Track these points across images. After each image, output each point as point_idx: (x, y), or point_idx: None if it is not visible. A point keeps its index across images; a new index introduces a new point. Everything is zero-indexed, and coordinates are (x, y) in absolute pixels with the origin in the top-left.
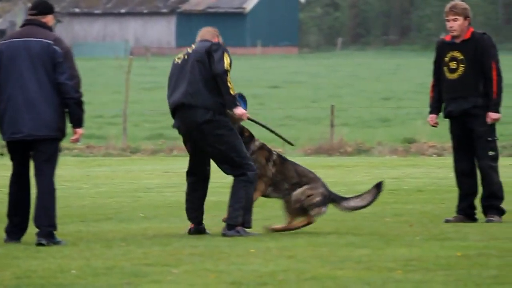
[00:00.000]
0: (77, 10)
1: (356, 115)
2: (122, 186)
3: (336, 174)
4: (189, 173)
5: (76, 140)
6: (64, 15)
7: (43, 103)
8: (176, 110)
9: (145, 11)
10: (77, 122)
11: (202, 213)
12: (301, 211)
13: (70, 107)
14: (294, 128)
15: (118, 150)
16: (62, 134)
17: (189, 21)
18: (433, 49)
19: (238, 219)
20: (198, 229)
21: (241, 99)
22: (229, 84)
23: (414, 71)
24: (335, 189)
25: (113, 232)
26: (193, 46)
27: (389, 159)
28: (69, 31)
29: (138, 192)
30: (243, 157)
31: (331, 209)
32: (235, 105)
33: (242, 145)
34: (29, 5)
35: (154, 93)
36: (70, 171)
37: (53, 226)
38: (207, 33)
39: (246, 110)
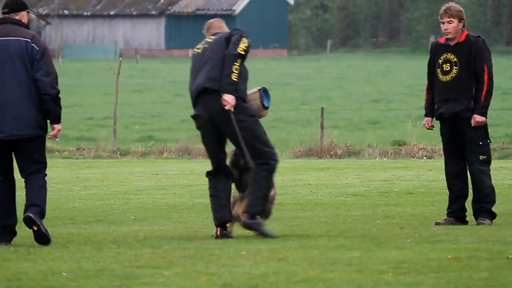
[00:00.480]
0: (66, 12)
1: (346, 117)
2: (112, 188)
3: (326, 176)
4: (211, 172)
5: (54, 136)
6: (53, 17)
7: (24, 102)
8: (199, 95)
9: (134, 13)
10: (55, 118)
11: (230, 211)
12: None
13: (47, 103)
14: (284, 130)
15: (108, 152)
16: (44, 131)
17: (178, 23)
18: (422, 52)
19: (258, 207)
20: (224, 234)
21: (265, 94)
22: (234, 69)
23: (404, 73)
24: (326, 191)
25: (103, 234)
26: (212, 36)
27: (379, 161)
28: (58, 33)
29: (128, 194)
30: (265, 144)
31: (321, 211)
32: (229, 91)
33: (264, 133)
34: None
35: (144, 95)
36: (60, 173)
37: (43, 211)
38: (221, 24)
39: (268, 106)
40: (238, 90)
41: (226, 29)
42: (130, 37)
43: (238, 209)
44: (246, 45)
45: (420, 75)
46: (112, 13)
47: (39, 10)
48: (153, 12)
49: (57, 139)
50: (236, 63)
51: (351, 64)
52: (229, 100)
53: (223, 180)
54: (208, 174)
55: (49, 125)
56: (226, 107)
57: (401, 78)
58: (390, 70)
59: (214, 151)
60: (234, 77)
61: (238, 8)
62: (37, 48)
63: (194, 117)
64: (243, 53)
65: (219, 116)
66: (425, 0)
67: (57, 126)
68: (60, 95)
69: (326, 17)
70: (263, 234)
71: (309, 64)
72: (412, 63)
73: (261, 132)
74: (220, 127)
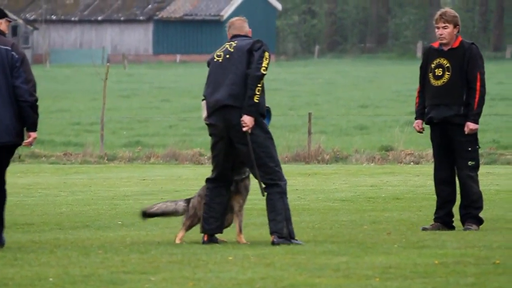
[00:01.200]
0: (54, 17)
1: (334, 123)
2: (99, 194)
3: (314, 181)
4: (213, 179)
5: (30, 144)
6: (40, 22)
7: (4, 109)
8: (218, 109)
9: (122, 18)
10: (32, 126)
11: (223, 223)
12: None
13: (25, 111)
14: None
15: (95, 158)
16: (21, 139)
17: (166, 29)
18: (410, 57)
19: (284, 230)
20: (212, 240)
21: (268, 114)
22: (256, 90)
23: (391, 78)
24: (313, 197)
25: (90, 240)
26: (233, 43)
27: (367, 166)
28: (46, 38)
29: (115, 199)
30: (276, 164)
31: (308, 216)
32: (250, 112)
33: (276, 153)
34: None
35: (132, 101)
36: (47, 179)
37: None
38: (243, 24)
39: (268, 124)
40: (259, 107)
41: (246, 29)
42: (118, 43)
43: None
44: (268, 61)
45: (408, 80)
46: (99, 18)
47: (27, 15)
48: (141, 18)
49: (32, 146)
50: (259, 85)
51: (338, 70)
52: (248, 122)
53: (222, 193)
54: (208, 181)
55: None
56: (244, 129)
57: (388, 84)
58: (378, 76)
59: (221, 159)
60: (256, 98)
61: (226, 13)
62: (16, 56)
63: (209, 125)
64: (265, 72)
65: (235, 131)
66: (413, 5)
67: (33, 134)
68: (38, 103)
69: (314, 22)
70: (294, 243)
71: (297, 69)
72: (400, 69)
73: (274, 150)
74: (234, 141)
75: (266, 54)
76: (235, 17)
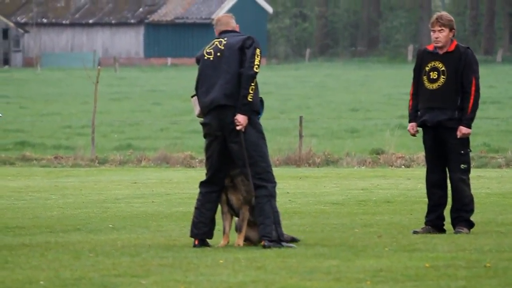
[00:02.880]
0: (45, 20)
1: (325, 126)
2: (90, 197)
3: (305, 185)
4: (206, 183)
5: None
6: (32, 26)
7: None
8: (213, 109)
9: (113, 21)
10: None
11: (213, 227)
12: None
13: None
14: None
15: (86, 161)
16: None
17: (157, 32)
18: (401, 61)
19: (273, 233)
20: (203, 243)
21: (261, 105)
22: (250, 89)
23: (382, 82)
24: (304, 200)
25: (81, 243)
26: (223, 40)
27: (358, 170)
28: (37, 42)
29: (106, 203)
30: (267, 165)
31: (299, 220)
32: (244, 111)
33: (268, 153)
34: None
35: (123, 104)
36: (38, 182)
37: None
38: (229, 20)
39: (261, 115)
40: (252, 104)
41: (233, 24)
42: (109, 46)
43: (249, 232)
44: (260, 58)
45: (399, 84)
46: (90, 21)
47: (18, 18)
48: (132, 21)
49: None
50: (252, 84)
51: (330, 73)
52: (242, 121)
53: (214, 199)
54: (201, 185)
55: None
56: (238, 127)
57: (379, 87)
58: (369, 79)
59: (215, 160)
60: (250, 97)
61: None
62: None
63: (203, 124)
64: (258, 70)
65: (229, 128)
66: (404, 9)
67: None
68: None
69: (305, 26)
70: (285, 246)
71: (288, 73)
72: (391, 72)
73: (265, 150)
74: (227, 139)
75: (257, 51)
76: (221, 14)
